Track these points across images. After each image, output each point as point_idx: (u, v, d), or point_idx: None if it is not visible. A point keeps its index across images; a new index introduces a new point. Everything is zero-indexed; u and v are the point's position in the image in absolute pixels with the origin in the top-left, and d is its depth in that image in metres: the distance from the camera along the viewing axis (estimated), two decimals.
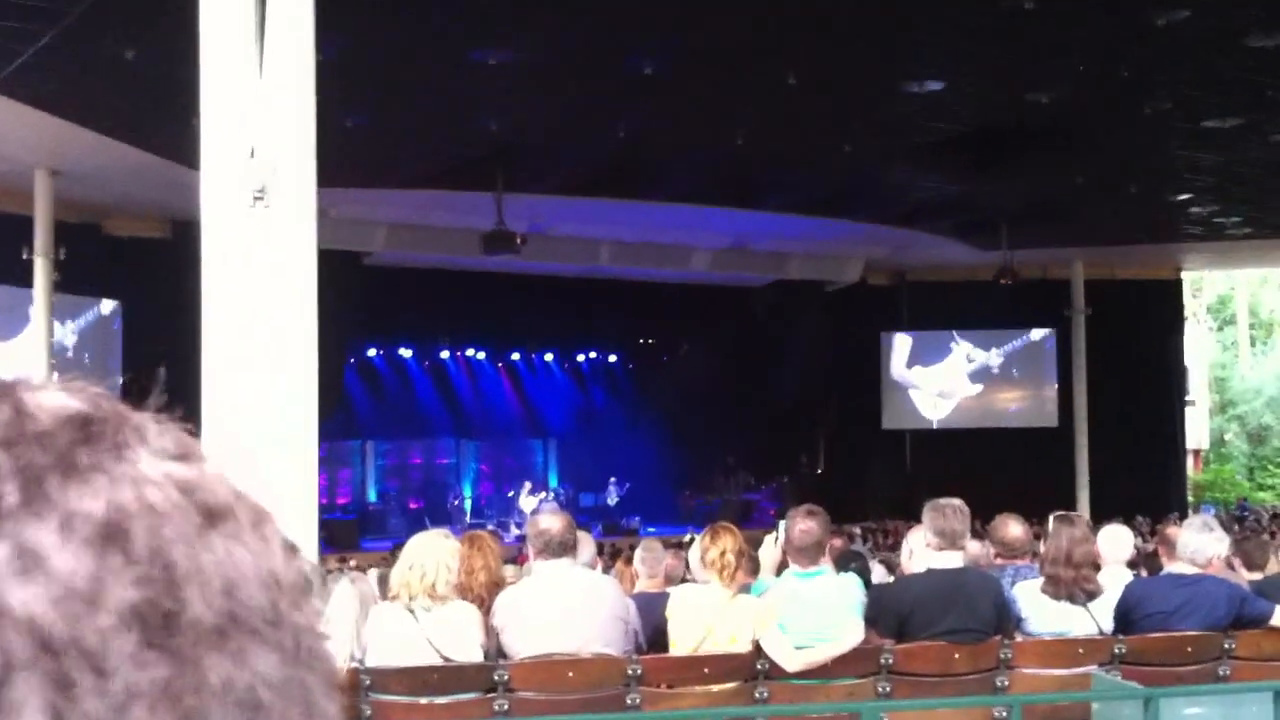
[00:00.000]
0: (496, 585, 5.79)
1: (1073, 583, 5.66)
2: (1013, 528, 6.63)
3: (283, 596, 0.46)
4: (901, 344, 24.63)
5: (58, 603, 0.40)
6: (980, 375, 24.51)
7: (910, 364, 24.57)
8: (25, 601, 0.40)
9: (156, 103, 11.34)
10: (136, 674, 0.41)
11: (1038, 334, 24.24)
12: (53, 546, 0.41)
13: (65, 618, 0.40)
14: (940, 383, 24.48)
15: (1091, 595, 5.70)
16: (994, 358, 24.45)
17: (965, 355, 24.46)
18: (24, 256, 14.39)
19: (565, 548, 5.45)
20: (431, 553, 5.26)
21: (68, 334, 16.41)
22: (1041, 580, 5.82)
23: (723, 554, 5.51)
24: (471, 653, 5.21)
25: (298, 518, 5.36)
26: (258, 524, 0.46)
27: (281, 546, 0.46)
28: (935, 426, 24.38)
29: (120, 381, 17.36)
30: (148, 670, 0.41)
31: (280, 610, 0.45)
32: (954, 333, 24.42)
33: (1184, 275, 26.40)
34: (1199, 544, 5.74)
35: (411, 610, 5.15)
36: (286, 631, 0.45)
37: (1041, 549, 6.38)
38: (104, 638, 0.40)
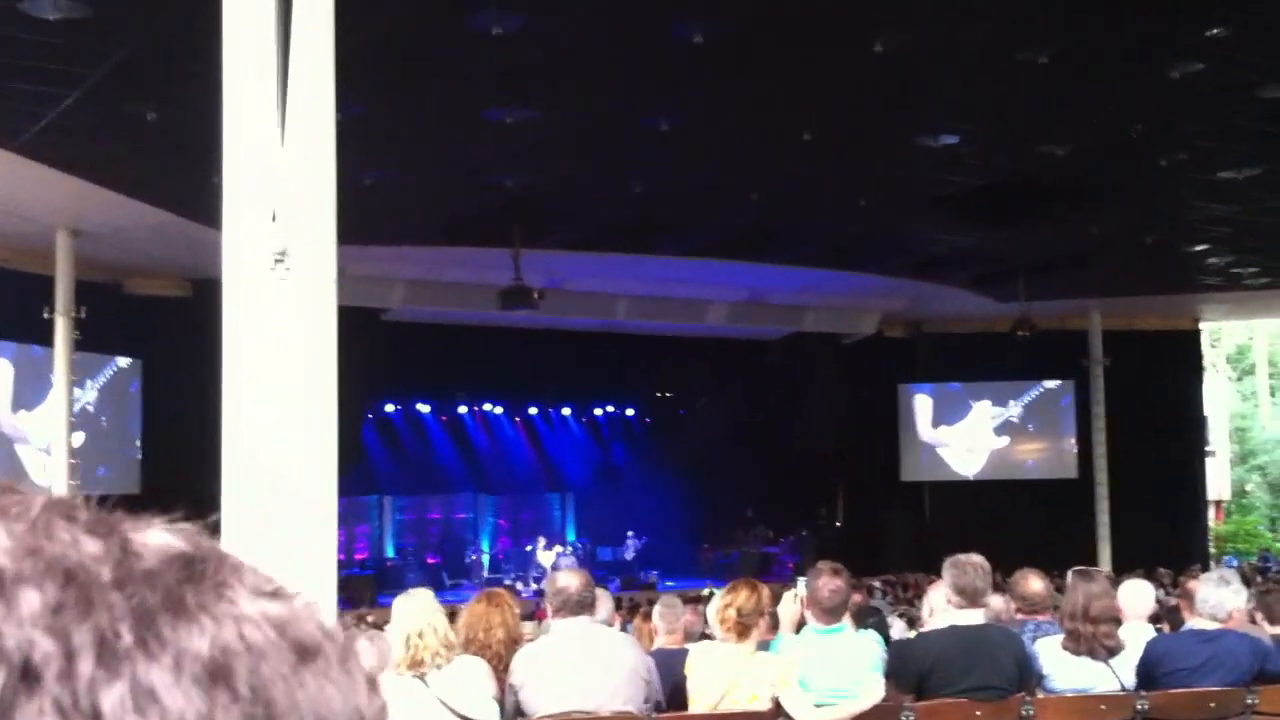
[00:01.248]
0: (515, 642, 5.78)
1: (1093, 638, 5.63)
2: (1033, 582, 6.61)
3: None
4: (923, 405, 24.63)
5: None
6: (1003, 428, 24.51)
7: (936, 424, 24.57)
8: None
9: (177, 163, 11.47)
10: None
11: (1051, 384, 24.21)
12: (165, 686, 0.43)
13: None
14: (967, 439, 24.47)
15: (1113, 651, 5.67)
16: (1013, 409, 24.45)
17: (986, 412, 24.47)
18: (45, 315, 14.50)
19: (582, 606, 5.45)
20: (420, 617, 5.23)
21: (88, 394, 16.49)
22: (1062, 636, 5.79)
23: (726, 608, 5.51)
24: (485, 707, 5.19)
25: (317, 576, 5.37)
26: (344, 660, 0.48)
27: (365, 681, 0.49)
28: (971, 478, 24.35)
29: (138, 443, 17.42)
30: None
31: None
32: (969, 388, 24.43)
33: (1202, 325, 26.36)
34: (1218, 599, 5.71)
35: (421, 677, 5.13)
36: None
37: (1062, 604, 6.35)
38: None
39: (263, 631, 0.46)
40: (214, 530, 0.53)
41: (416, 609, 5.28)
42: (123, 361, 17.21)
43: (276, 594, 0.49)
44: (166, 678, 0.43)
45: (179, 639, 0.44)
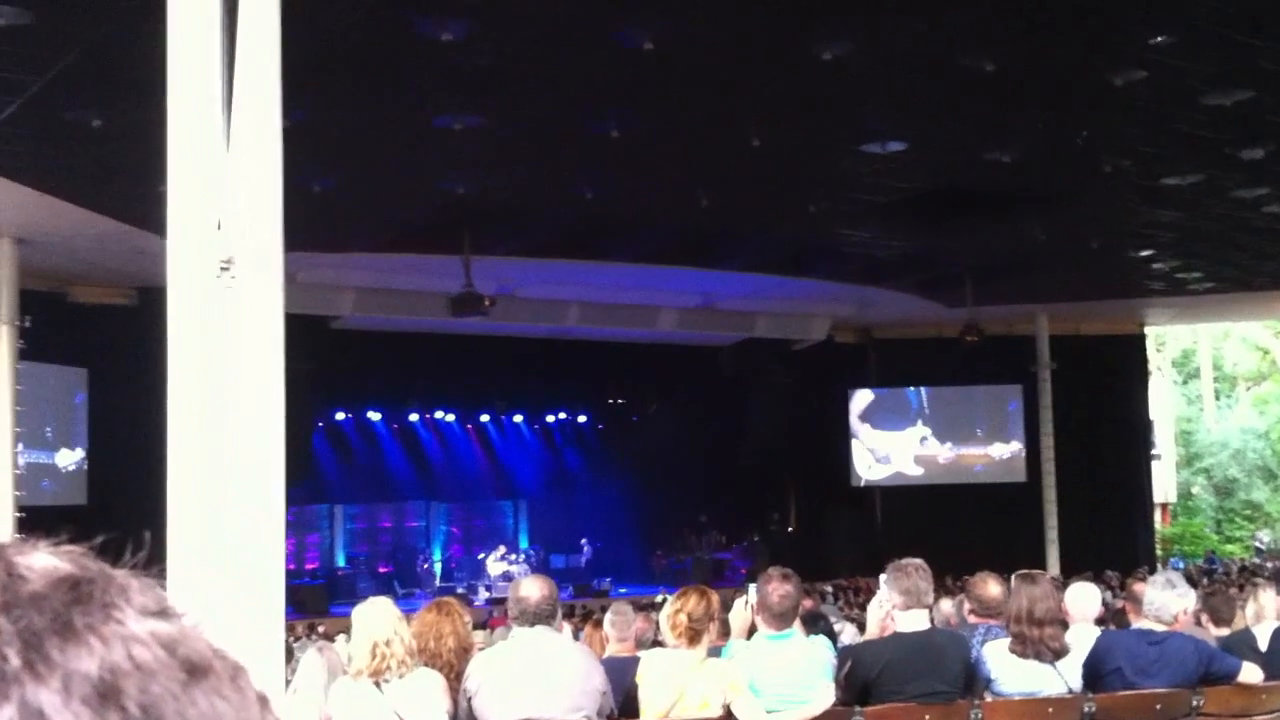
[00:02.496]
0: (466, 651, 5.74)
1: (1039, 641, 5.67)
2: (992, 586, 6.63)
3: None
4: (862, 397, 24.75)
5: None
6: (928, 447, 24.67)
7: (864, 418, 24.67)
8: None
9: (123, 170, 11.35)
10: None
11: (999, 450, 24.37)
12: (54, 707, 0.43)
13: None
14: (883, 447, 24.57)
15: (1059, 654, 5.71)
16: (945, 451, 24.58)
17: (919, 437, 24.60)
18: None
19: (541, 616, 5.42)
20: (387, 625, 5.20)
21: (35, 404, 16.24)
22: (1009, 639, 5.83)
23: (676, 614, 5.50)
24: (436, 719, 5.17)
25: (265, 586, 5.33)
26: (235, 677, 0.48)
27: (256, 699, 0.49)
28: (863, 484, 24.47)
29: (84, 454, 17.20)
30: None
31: None
32: (918, 405, 24.55)
33: (1147, 330, 26.64)
34: (1163, 601, 5.77)
35: (377, 684, 5.10)
36: None
37: None
38: None
39: (152, 651, 0.46)
40: (99, 551, 0.52)
41: (382, 617, 5.26)
42: (68, 371, 16.99)
43: (165, 613, 0.49)
44: (55, 699, 0.43)
45: (67, 660, 0.44)
